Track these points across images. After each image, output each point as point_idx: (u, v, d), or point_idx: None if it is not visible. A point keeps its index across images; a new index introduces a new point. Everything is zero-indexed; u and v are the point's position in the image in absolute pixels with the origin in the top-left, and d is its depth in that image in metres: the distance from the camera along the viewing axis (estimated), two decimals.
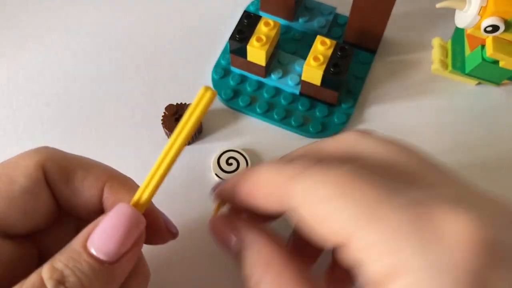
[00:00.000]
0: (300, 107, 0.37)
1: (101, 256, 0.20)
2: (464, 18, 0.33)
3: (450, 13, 0.35)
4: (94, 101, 0.38)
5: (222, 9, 0.42)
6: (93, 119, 0.37)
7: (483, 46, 0.34)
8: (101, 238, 0.21)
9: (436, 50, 0.39)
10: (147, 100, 0.38)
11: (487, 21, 0.32)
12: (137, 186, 0.24)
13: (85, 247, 0.20)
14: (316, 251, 0.28)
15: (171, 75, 0.39)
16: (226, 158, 0.35)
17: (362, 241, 0.18)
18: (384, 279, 0.17)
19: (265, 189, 0.22)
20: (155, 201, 0.25)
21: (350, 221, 0.18)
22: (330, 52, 0.34)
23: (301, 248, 0.28)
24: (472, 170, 0.32)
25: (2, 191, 0.21)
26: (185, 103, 0.36)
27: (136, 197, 0.22)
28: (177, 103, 0.35)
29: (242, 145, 0.36)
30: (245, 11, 0.35)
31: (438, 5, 0.33)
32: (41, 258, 0.24)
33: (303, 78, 0.35)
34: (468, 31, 0.35)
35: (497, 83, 0.38)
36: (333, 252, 0.26)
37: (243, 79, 0.38)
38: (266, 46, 0.34)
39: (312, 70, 0.34)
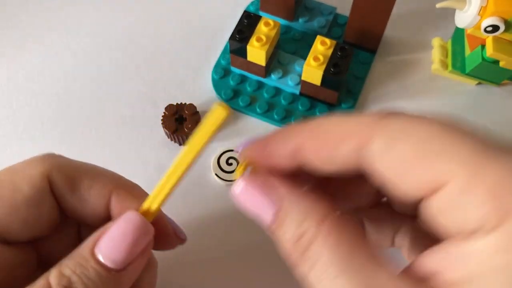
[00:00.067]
0: (300, 107, 0.37)
1: (108, 263, 0.20)
2: (464, 18, 0.33)
3: (450, 13, 0.35)
4: (94, 101, 0.38)
5: (222, 9, 0.42)
6: (93, 119, 0.37)
7: (483, 46, 0.34)
8: (109, 245, 0.20)
9: (436, 50, 0.39)
10: (147, 100, 0.38)
11: (487, 21, 0.32)
12: (144, 193, 0.24)
13: (93, 254, 0.20)
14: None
15: (171, 75, 0.39)
16: (226, 158, 0.35)
17: (469, 182, 0.16)
18: (494, 221, 0.16)
19: (335, 139, 0.19)
20: None
21: (452, 162, 0.16)
22: (330, 52, 0.34)
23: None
24: None
25: (5, 199, 0.21)
26: (185, 103, 0.36)
27: (145, 206, 0.22)
28: (177, 103, 0.35)
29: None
30: (245, 11, 0.35)
31: (438, 5, 0.33)
32: (41, 260, 0.24)
33: (303, 78, 0.35)
34: (468, 31, 0.35)
35: (497, 83, 0.38)
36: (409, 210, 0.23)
37: (243, 79, 0.38)
38: (266, 46, 0.34)
39: (312, 70, 0.34)
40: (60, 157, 0.24)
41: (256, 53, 0.34)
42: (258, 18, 0.35)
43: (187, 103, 0.36)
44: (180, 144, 0.36)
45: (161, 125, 0.36)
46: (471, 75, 0.37)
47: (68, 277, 0.20)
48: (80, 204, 0.23)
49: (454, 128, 0.17)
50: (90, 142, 0.36)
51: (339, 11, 0.40)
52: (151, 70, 0.39)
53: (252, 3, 0.42)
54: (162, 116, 0.35)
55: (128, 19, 0.42)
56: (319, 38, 0.34)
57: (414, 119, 0.18)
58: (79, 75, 0.39)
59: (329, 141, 0.19)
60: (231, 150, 0.35)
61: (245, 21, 0.35)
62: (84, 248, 0.21)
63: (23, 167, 0.22)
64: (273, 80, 0.37)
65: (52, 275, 0.20)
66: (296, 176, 0.20)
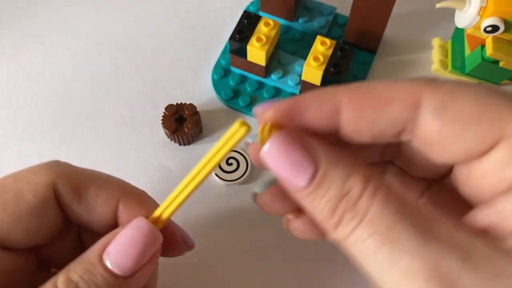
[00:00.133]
0: None
1: (116, 270, 0.20)
2: (464, 18, 0.33)
3: (450, 13, 0.35)
4: (94, 101, 0.38)
5: (222, 9, 0.42)
6: (93, 119, 0.37)
7: (483, 46, 0.34)
8: (117, 252, 0.20)
9: (436, 50, 0.39)
10: (147, 100, 0.38)
11: (487, 21, 0.32)
12: (152, 200, 0.24)
13: (100, 260, 0.20)
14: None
15: (171, 75, 0.39)
16: (226, 158, 0.35)
17: None
18: None
19: (383, 98, 0.18)
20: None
21: (500, 121, 0.17)
22: (330, 52, 0.34)
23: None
24: None
25: (8, 207, 0.21)
26: (185, 103, 0.36)
27: (156, 214, 0.22)
28: (177, 103, 0.35)
29: (242, 145, 0.36)
30: (245, 11, 0.35)
31: (438, 5, 0.33)
32: (41, 261, 0.24)
33: (303, 78, 0.35)
34: (468, 31, 0.35)
35: (497, 83, 0.38)
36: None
37: (243, 79, 0.38)
38: (266, 46, 0.34)
39: (312, 70, 0.34)
40: (66, 165, 0.23)
41: (256, 53, 0.34)
42: (258, 18, 0.35)
43: (187, 103, 0.36)
44: (180, 144, 0.36)
45: (161, 125, 0.36)
46: (471, 75, 0.37)
47: (76, 283, 0.20)
48: (87, 213, 0.23)
49: (501, 91, 0.18)
50: (90, 142, 0.36)
51: (339, 11, 0.40)
52: (151, 70, 0.39)
53: (252, 3, 0.42)
54: (162, 116, 0.35)
55: (128, 19, 0.42)
56: (319, 38, 0.34)
57: (461, 83, 0.18)
58: (79, 75, 0.39)
59: (376, 101, 0.18)
60: (231, 150, 0.35)
61: (245, 21, 0.35)
62: (92, 253, 0.21)
63: (28, 174, 0.22)
64: (273, 80, 0.37)
65: (60, 280, 0.20)
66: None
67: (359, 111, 0.19)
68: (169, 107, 0.35)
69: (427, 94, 0.18)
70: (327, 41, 0.34)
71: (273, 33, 0.34)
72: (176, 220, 0.26)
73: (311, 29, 0.40)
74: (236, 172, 0.35)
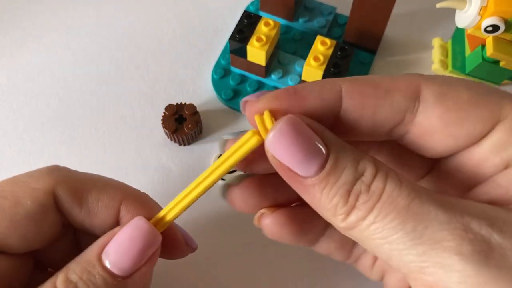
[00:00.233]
0: None
1: (115, 270, 0.20)
2: (464, 18, 0.33)
3: (450, 13, 0.35)
4: (94, 101, 0.38)
5: (222, 9, 0.42)
6: (93, 119, 0.37)
7: (483, 46, 0.34)
8: (116, 251, 0.20)
9: (436, 50, 0.39)
10: (147, 100, 0.38)
11: (487, 21, 0.31)
12: (153, 202, 0.24)
13: (99, 259, 0.20)
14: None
15: (171, 75, 0.39)
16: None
17: None
18: None
19: (385, 86, 0.19)
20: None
21: (505, 98, 0.18)
22: (330, 52, 0.34)
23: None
24: None
25: (6, 212, 0.21)
26: (185, 103, 0.36)
27: (159, 215, 0.22)
28: (177, 103, 0.35)
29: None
30: (245, 11, 0.35)
31: (438, 5, 0.33)
32: (37, 262, 0.24)
33: (303, 78, 0.35)
34: (469, 31, 0.35)
35: (498, 83, 0.38)
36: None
37: (243, 79, 0.38)
38: (266, 46, 0.34)
39: (312, 70, 0.34)
40: (65, 170, 0.23)
41: (256, 53, 0.34)
42: (258, 18, 0.35)
43: (187, 103, 0.36)
44: (180, 144, 0.36)
45: (161, 125, 0.36)
46: (471, 75, 0.37)
47: (75, 283, 0.20)
48: (89, 217, 0.22)
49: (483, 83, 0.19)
50: (90, 142, 0.36)
51: (339, 11, 0.40)
52: (151, 70, 0.39)
53: (252, 3, 0.42)
54: (162, 116, 0.35)
55: (128, 19, 0.42)
56: (319, 38, 0.34)
57: (450, 76, 0.19)
58: (79, 75, 0.39)
59: (377, 90, 0.18)
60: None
61: (245, 21, 0.35)
62: (91, 252, 0.21)
63: (27, 179, 0.22)
64: (273, 80, 0.37)
65: (59, 280, 0.20)
66: None
67: (361, 99, 0.18)
68: (169, 107, 0.35)
69: (424, 84, 0.18)
70: (327, 41, 0.34)
71: (273, 33, 0.34)
72: (176, 220, 0.26)
73: (311, 29, 0.40)
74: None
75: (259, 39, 0.34)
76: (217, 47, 0.40)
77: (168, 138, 0.36)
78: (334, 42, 0.34)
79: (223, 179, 0.25)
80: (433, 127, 0.19)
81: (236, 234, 0.33)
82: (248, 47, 0.34)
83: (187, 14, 0.42)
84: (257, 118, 0.19)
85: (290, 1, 0.38)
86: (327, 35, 0.40)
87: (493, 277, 0.16)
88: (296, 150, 0.17)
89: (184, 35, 0.41)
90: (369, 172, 0.17)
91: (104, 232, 0.23)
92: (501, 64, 0.34)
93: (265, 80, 0.37)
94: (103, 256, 0.20)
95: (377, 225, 0.17)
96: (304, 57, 0.36)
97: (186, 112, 0.35)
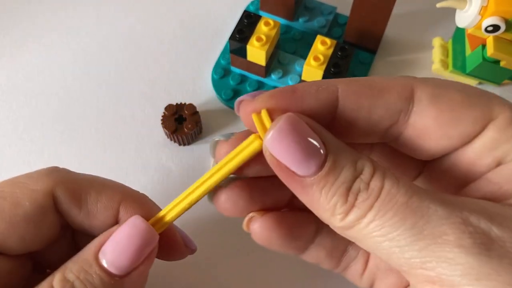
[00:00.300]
0: None
1: (112, 269, 0.20)
2: (465, 18, 0.33)
3: (450, 13, 0.35)
4: (94, 101, 0.38)
5: (222, 9, 0.42)
6: (93, 119, 0.37)
7: (483, 46, 0.34)
8: (113, 250, 0.20)
9: (436, 50, 0.39)
10: (147, 100, 0.38)
11: (487, 21, 0.31)
12: (152, 203, 0.24)
13: (96, 259, 0.20)
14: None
15: (171, 75, 0.39)
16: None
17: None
18: None
19: (379, 87, 0.19)
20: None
21: (494, 99, 0.19)
22: (330, 52, 0.34)
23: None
24: None
25: (4, 213, 0.21)
26: (185, 103, 0.36)
27: (159, 216, 0.22)
28: (177, 103, 0.35)
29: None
30: (245, 11, 0.35)
31: (438, 5, 0.33)
32: (36, 262, 0.24)
33: (303, 78, 0.35)
34: (469, 31, 0.35)
35: (498, 83, 0.38)
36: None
37: (243, 79, 0.38)
38: (266, 46, 0.34)
39: (312, 70, 0.34)
40: (64, 171, 0.23)
41: (256, 53, 0.34)
42: (258, 18, 0.35)
43: (187, 103, 0.36)
44: (180, 144, 0.36)
45: (161, 125, 0.36)
46: (471, 75, 0.37)
47: (72, 282, 0.20)
48: (88, 219, 0.22)
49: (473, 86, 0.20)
50: (90, 142, 0.36)
51: (339, 10, 0.40)
52: (151, 70, 0.39)
53: (252, 3, 0.42)
54: (162, 116, 0.35)
55: (128, 19, 0.42)
56: (319, 38, 0.34)
57: (441, 79, 0.20)
58: (79, 75, 0.39)
59: (373, 90, 0.19)
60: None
61: (245, 21, 0.35)
62: (88, 251, 0.21)
63: (26, 181, 0.22)
64: (273, 80, 0.37)
65: (56, 280, 0.20)
66: None
67: (357, 99, 0.19)
68: (169, 107, 0.35)
69: (418, 86, 0.19)
70: (328, 40, 0.34)
71: (273, 32, 0.34)
72: (176, 220, 0.26)
73: (311, 28, 0.40)
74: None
75: (259, 39, 0.34)
76: (217, 47, 0.40)
77: (168, 138, 0.36)
78: (334, 42, 0.34)
79: None
80: (427, 127, 0.19)
81: (236, 234, 0.33)
82: (248, 47, 0.34)
83: (187, 14, 0.42)
84: (254, 117, 0.19)
85: (290, 0, 0.38)
86: (327, 35, 0.40)
87: (495, 268, 0.16)
88: (296, 149, 0.17)
89: (184, 35, 0.41)
90: (367, 171, 0.17)
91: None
92: (502, 64, 0.34)
93: (265, 80, 0.37)
94: (100, 255, 0.20)
95: (377, 223, 0.17)
96: (304, 57, 0.36)
97: (186, 112, 0.35)
